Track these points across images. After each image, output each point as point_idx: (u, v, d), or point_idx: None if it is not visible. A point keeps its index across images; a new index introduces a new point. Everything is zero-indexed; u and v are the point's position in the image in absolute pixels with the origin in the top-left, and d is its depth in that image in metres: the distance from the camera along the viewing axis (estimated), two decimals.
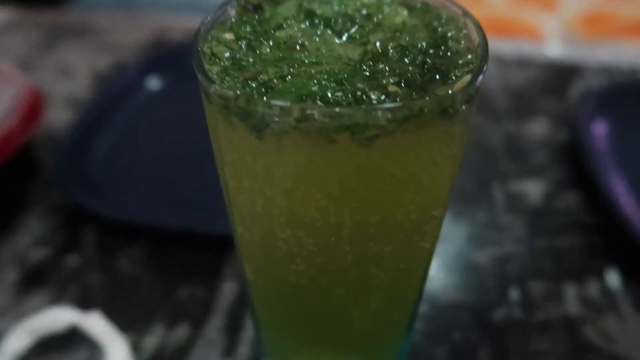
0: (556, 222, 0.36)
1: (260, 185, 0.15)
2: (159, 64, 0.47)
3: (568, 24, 0.60)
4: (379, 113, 0.13)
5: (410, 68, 0.15)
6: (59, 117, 0.45)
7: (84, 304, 0.30)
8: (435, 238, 0.18)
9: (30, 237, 0.35)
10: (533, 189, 0.38)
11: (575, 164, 0.40)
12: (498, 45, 0.55)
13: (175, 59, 0.47)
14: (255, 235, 0.17)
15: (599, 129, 0.40)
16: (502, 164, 0.41)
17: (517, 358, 0.28)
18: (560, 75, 0.50)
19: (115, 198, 0.36)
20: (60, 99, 0.47)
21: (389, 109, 0.13)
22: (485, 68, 0.15)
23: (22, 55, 0.53)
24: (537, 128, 0.44)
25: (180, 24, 0.56)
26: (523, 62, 0.52)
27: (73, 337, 0.29)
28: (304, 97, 0.13)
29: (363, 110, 0.13)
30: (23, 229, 0.36)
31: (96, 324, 0.27)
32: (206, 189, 0.37)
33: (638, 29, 0.59)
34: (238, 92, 0.14)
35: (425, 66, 0.15)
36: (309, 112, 0.13)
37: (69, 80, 0.50)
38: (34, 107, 0.37)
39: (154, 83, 0.46)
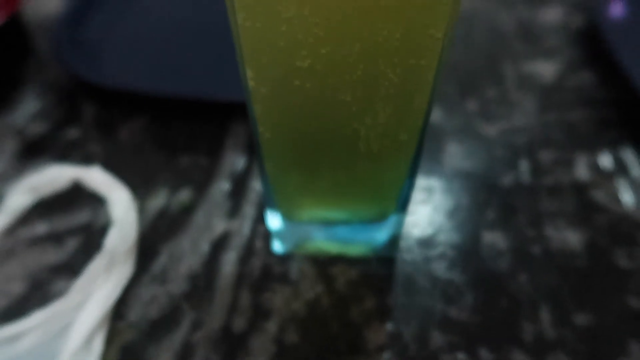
0: (568, 98, 0.35)
1: None
2: None
3: None
4: None
5: None
6: (50, 6, 0.44)
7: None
8: (446, 29, 0.17)
9: (29, 113, 0.34)
10: (545, 69, 0.37)
11: (590, 46, 0.39)
12: None
13: None
14: (257, 21, 0.16)
15: (616, 10, 0.38)
16: (514, 46, 0.39)
17: (525, 216, 0.28)
18: None
19: (114, 71, 0.35)
20: None
21: None
22: None
23: None
24: (551, 14, 0.42)
25: None
26: None
27: (74, 194, 0.29)
28: None
29: None
30: (21, 106, 0.35)
31: (97, 176, 0.26)
32: (207, 60, 0.36)
33: None
34: None
35: None
36: None
37: None
38: None
39: None
